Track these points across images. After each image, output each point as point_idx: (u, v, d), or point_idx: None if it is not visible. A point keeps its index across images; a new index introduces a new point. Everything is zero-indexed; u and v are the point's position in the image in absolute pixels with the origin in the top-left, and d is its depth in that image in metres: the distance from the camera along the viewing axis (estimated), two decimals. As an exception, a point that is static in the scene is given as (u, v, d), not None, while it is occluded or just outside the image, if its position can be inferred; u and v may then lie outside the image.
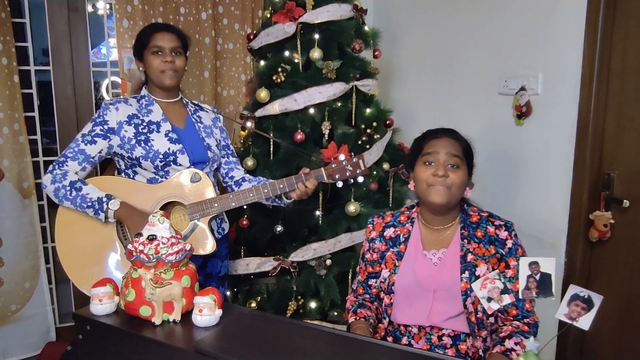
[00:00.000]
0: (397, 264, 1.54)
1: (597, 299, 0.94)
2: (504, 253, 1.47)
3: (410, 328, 1.52)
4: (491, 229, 1.50)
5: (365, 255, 1.64)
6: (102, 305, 1.24)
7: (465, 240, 1.50)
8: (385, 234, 1.61)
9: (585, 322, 0.94)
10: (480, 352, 1.46)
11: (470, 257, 1.47)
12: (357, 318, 1.55)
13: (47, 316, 2.72)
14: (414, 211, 1.62)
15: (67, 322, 2.82)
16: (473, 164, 1.57)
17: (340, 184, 1.84)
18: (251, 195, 1.78)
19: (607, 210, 1.85)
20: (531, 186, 2.15)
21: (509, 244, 1.48)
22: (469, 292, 1.44)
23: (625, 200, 1.80)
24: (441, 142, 1.51)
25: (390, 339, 1.55)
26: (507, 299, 1.05)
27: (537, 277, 0.99)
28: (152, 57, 1.78)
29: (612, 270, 1.88)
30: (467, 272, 1.45)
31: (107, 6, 2.73)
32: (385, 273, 1.55)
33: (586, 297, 0.94)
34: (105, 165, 2.68)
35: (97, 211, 1.68)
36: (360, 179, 1.85)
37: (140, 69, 1.85)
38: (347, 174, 1.82)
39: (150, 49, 1.78)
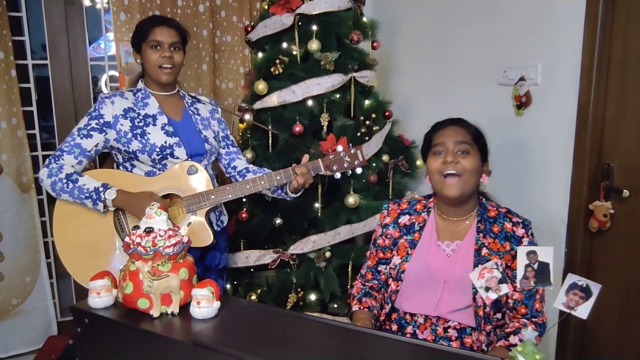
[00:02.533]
0: (409, 252, 1.53)
1: (595, 288, 0.94)
2: None
3: (416, 317, 1.52)
4: (508, 225, 1.49)
5: (377, 241, 1.64)
6: (100, 298, 1.24)
7: (481, 234, 1.49)
8: (400, 220, 1.60)
9: (583, 311, 0.94)
10: (484, 346, 1.45)
11: (484, 251, 1.46)
12: (361, 307, 1.55)
13: (49, 310, 2.73)
14: (431, 201, 1.61)
15: (68, 316, 2.83)
16: (487, 150, 1.56)
17: (338, 176, 1.83)
18: (248, 187, 1.77)
19: (606, 200, 1.85)
20: (531, 176, 2.14)
21: (525, 242, 1.47)
22: None
23: (625, 190, 1.79)
24: (448, 131, 1.51)
25: (395, 327, 1.55)
26: (505, 288, 1.04)
27: (535, 266, 0.99)
28: (150, 52, 1.77)
29: (612, 260, 1.88)
30: (480, 266, 1.44)
31: (104, -1, 2.72)
32: (396, 260, 1.55)
33: (584, 286, 0.94)
34: (104, 158, 2.68)
35: (95, 201, 1.68)
36: (359, 170, 1.84)
37: (138, 60, 1.84)
38: (345, 165, 1.81)
39: (149, 42, 1.76)
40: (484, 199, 1.58)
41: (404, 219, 1.60)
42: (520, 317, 1.44)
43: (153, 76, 1.80)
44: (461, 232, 1.52)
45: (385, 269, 1.60)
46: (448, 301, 1.48)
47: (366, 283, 1.65)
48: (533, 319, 1.42)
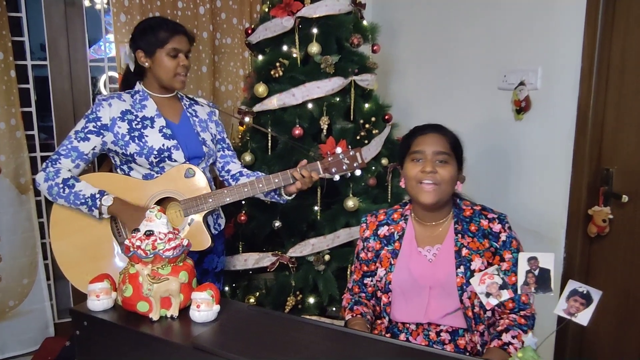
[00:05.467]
0: (392, 262, 1.53)
1: (596, 295, 0.94)
2: (498, 246, 1.47)
3: (408, 325, 1.52)
4: (484, 222, 1.50)
5: (359, 255, 1.64)
6: (99, 301, 1.24)
7: (459, 235, 1.50)
8: (379, 232, 1.60)
9: (584, 317, 0.94)
10: (479, 347, 1.46)
11: (464, 251, 1.47)
12: (354, 315, 1.55)
13: (46, 312, 2.72)
14: (407, 208, 1.62)
15: (65, 317, 2.82)
16: (463, 158, 1.56)
17: (337, 178, 1.83)
18: (246, 189, 1.77)
19: (605, 206, 1.85)
20: (530, 181, 2.14)
21: (503, 236, 1.47)
22: (464, 287, 1.44)
23: (624, 196, 1.79)
24: (428, 138, 1.51)
25: (387, 336, 1.54)
26: (506, 294, 1.04)
27: (536, 272, 0.99)
28: (167, 59, 1.75)
29: (611, 266, 1.88)
30: (462, 267, 1.45)
31: (105, 0, 2.71)
32: (381, 272, 1.55)
33: (585, 292, 0.94)
34: (103, 160, 2.67)
35: (90, 208, 1.67)
36: (358, 173, 1.84)
37: (146, 64, 1.78)
38: (344, 167, 1.80)
39: (167, 50, 1.74)
40: (457, 199, 1.58)
41: (383, 230, 1.60)
42: (508, 312, 1.44)
43: (167, 82, 1.79)
44: (440, 236, 1.53)
45: (372, 281, 1.60)
46: (436, 307, 1.48)
47: (354, 295, 1.65)
48: (521, 312, 1.43)
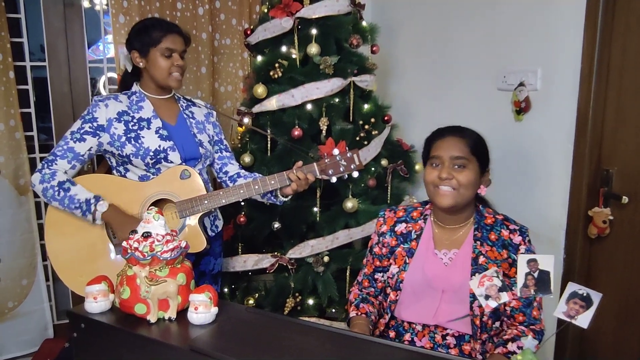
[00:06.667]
0: (407, 261, 1.52)
1: (595, 297, 0.93)
2: (516, 259, 1.44)
3: (414, 325, 1.51)
4: (505, 232, 1.48)
5: (373, 249, 1.62)
6: (96, 303, 1.23)
7: (478, 242, 1.48)
8: (396, 229, 1.58)
9: (583, 320, 0.93)
10: (478, 355, 1.44)
11: (482, 259, 1.45)
12: (359, 313, 1.54)
13: (45, 313, 2.71)
14: (427, 208, 1.60)
15: (65, 319, 2.81)
16: (487, 160, 1.54)
17: (334, 180, 1.82)
18: (242, 191, 1.76)
19: (605, 207, 1.84)
20: (530, 182, 2.14)
21: (522, 249, 1.46)
22: None
23: (624, 197, 1.79)
24: (445, 143, 1.49)
25: (392, 333, 1.54)
26: (505, 297, 1.03)
27: (536, 274, 0.98)
28: (162, 59, 1.74)
29: (611, 267, 1.88)
30: (477, 275, 1.43)
31: (104, 1, 2.71)
32: (394, 269, 1.53)
33: (585, 294, 0.93)
34: (101, 161, 2.67)
35: (84, 212, 1.67)
36: (356, 174, 1.82)
37: (141, 64, 1.78)
38: (341, 169, 1.79)
39: (160, 49, 1.74)
40: (481, 206, 1.56)
41: (401, 227, 1.58)
42: (518, 324, 1.43)
43: (162, 82, 1.78)
44: (458, 241, 1.51)
45: (382, 276, 1.59)
46: (446, 310, 1.47)
47: (363, 290, 1.64)
48: (531, 327, 1.41)
